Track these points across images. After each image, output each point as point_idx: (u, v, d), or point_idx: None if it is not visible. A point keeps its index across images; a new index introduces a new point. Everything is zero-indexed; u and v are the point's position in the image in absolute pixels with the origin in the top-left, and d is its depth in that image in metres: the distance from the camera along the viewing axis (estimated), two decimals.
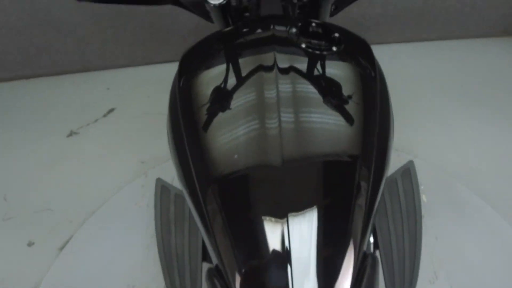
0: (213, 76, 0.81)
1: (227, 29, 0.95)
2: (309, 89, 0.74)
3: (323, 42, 0.80)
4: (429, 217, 1.63)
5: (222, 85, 0.77)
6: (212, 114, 0.73)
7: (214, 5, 0.94)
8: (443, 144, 1.89)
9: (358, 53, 0.84)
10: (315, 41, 0.80)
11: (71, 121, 2.08)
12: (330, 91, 0.74)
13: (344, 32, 0.86)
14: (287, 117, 0.68)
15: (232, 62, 0.81)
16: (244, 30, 0.92)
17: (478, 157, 1.84)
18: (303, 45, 0.79)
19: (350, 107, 0.72)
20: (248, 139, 0.68)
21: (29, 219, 1.70)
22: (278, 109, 0.69)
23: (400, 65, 2.20)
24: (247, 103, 0.72)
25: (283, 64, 0.76)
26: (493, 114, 2.00)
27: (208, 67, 0.83)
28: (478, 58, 2.32)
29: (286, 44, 0.81)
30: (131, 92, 2.22)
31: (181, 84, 0.81)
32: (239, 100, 0.73)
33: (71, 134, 2.03)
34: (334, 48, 0.79)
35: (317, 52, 0.78)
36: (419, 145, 1.85)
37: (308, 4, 1.03)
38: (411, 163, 1.49)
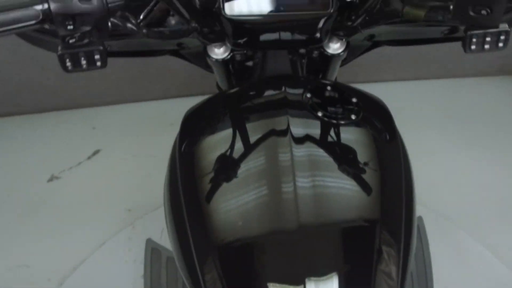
0: (218, 142, 0.74)
1: (233, 90, 0.88)
2: (326, 157, 0.69)
3: (340, 110, 0.72)
4: (433, 268, 1.57)
5: (229, 152, 0.70)
6: (216, 183, 0.67)
7: (217, 59, 0.87)
8: (443, 187, 1.82)
9: (376, 117, 0.77)
10: (332, 109, 0.72)
11: (52, 164, 1.95)
12: (349, 159, 0.69)
13: (360, 94, 0.80)
14: (303, 181, 0.63)
15: (240, 126, 0.75)
16: (253, 91, 0.85)
17: (479, 201, 1.78)
18: (320, 114, 0.72)
19: (371, 174, 0.68)
20: (258, 204, 0.63)
21: (2, 277, 1.55)
22: (293, 173, 0.63)
23: (396, 103, 2.14)
24: (256, 168, 0.67)
25: (298, 131, 0.70)
26: (491, 155, 1.95)
27: (213, 131, 0.77)
28: (475, 97, 2.30)
29: (299, 109, 0.75)
30: (118, 132, 2.10)
31: (182, 149, 0.74)
32: (247, 165, 0.68)
33: (52, 178, 1.90)
34: (353, 117, 0.72)
35: (334, 121, 0.72)
36: (418, 189, 1.78)
37: (318, 59, 0.96)
38: (420, 219, 1.42)
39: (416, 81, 2.35)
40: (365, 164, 0.68)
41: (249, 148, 0.70)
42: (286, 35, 0.81)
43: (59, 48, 0.63)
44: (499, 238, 1.64)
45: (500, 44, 0.71)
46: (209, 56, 0.87)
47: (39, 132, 2.13)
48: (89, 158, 1.98)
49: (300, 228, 0.58)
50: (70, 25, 0.60)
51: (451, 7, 0.62)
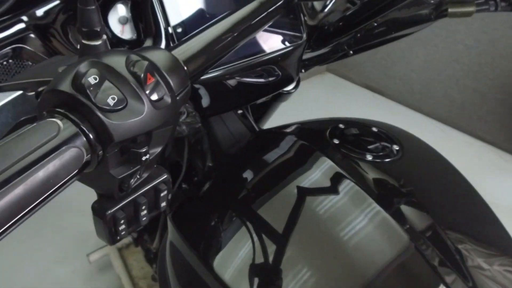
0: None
1: (233, 159, 0.75)
2: (392, 188, 0.63)
3: (379, 145, 0.66)
4: None
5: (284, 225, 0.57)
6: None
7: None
8: None
9: (402, 139, 0.71)
10: (372, 147, 0.66)
11: None
12: (413, 185, 0.65)
13: (371, 123, 0.73)
14: (387, 204, 0.57)
15: (284, 186, 0.62)
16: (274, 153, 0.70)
17: None
18: (369, 157, 0.64)
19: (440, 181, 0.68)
20: (366, 236, 0.55)
21: None
22: (371, 201, 0.57)
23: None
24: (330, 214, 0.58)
25: (351, 175, 0.61)
26: None
27: (237, 212, 0.63)
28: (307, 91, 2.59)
29: (336, 155, 0.64)
30: None
31: (205, 254, 0.60)
32: (310, 222, 0.58)
33: None
34: (396, 147, 0.66)
35: (381, 160, 0.64)
36: None
37: (265, 102, 0.87)
38: None
39: None
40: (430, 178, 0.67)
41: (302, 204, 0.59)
42: (257, 85, 0.70)
43: (98, 204, 0.34)
44: None
45: None
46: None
47: None
48: None
49: (412, 239, 0.54)
50: (145, 154, 0.31)
51: None
